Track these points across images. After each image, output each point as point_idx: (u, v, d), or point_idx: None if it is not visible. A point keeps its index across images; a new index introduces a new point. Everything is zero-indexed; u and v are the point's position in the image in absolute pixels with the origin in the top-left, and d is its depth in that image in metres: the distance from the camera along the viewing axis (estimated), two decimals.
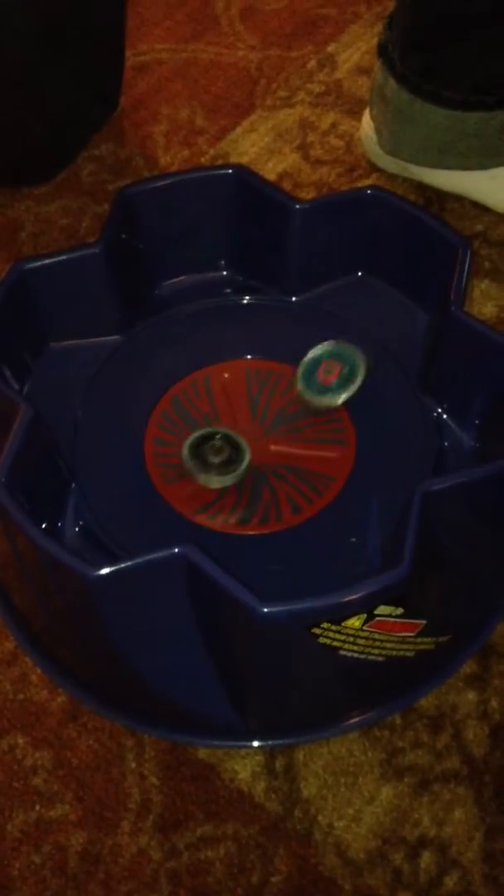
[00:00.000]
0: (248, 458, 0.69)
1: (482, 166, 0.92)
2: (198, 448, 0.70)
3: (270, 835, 0.63)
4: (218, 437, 0.70)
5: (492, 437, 0.72)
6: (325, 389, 0.72)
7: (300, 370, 0.73)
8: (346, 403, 0.74)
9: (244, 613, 0.56)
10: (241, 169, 0.79)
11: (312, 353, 0.73)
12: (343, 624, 0.57)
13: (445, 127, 0.89)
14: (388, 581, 0.57)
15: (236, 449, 0.70)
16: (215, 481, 0.69)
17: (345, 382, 0.72)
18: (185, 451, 0.69)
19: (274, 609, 0.56)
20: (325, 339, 0.74)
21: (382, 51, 0.91)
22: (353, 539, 0.68)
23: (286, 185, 0.96)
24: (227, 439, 0.70)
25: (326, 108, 1.04)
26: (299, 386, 0.72)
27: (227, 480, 0.69)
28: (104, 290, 0.77)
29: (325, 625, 0.57)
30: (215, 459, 0.69)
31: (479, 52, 0.84)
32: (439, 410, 0.75)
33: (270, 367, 0.77)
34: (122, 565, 0.58)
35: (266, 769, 0.65)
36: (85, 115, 0.99)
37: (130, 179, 0.96)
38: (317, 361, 0.72)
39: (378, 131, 0.94)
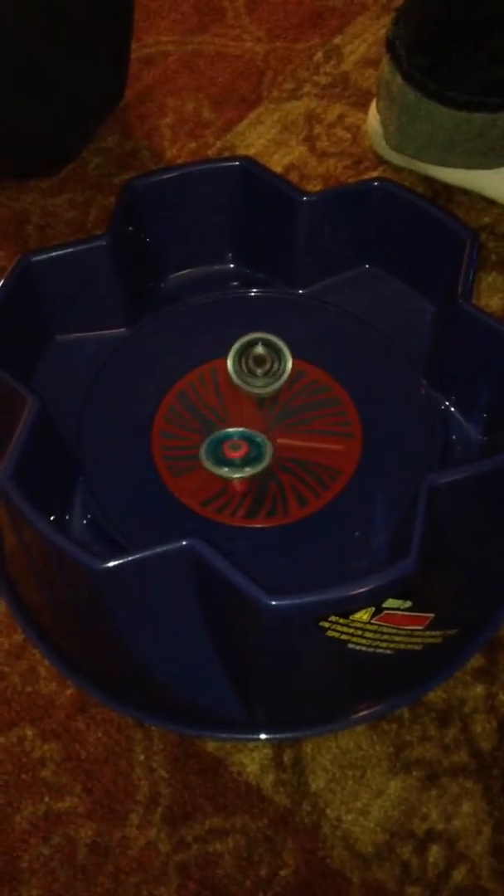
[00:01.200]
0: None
1: (486, 166, 0.91)
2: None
3: (279, 828, 0.63)
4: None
5: (499, 430, 0.72)
6: (227, 463, 0.69)
7: (208, 442, 0.71)
8: (351, 396, 0.74)
9: (252, 606, 0.56)
10: (247, 161, 0.79)
11: (223, 432, 0.71)
12: (351, 617, 0.57)
13: (450, 126, 0.88)
14: (395, 574, 0.57)
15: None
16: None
17: (249, 462, 0.69)
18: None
19: (282, 602, 0.56)
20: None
21: (390, 46, 0.90)
22: (360, 532, 0.68)
23: (293, 178, 0.95)
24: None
25: (333, 100, 1.04)
26: (202, 453, 0.70)
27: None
28: (110, 282, 0.77)
29: (333, 618, 0.57)
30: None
31: (484, 56, 0.84)
32: (446, 403, 0.74)
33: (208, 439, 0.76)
34: (130, 558, 0.58)
35: (274, 762, 0.65)
36: (91, 107, 0.99)
37: (137, 172, 0.95)
38: (223, 438, 0.71)
39: (384, 126, 0.94)
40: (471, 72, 0.85)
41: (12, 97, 0.89)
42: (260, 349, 0.71)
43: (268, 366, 0.72)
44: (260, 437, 0.70)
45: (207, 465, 0.68)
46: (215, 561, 0.57)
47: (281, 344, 0.72)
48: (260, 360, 0.71)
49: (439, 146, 0.91)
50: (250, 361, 0.72)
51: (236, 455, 0.69)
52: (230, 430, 0.71)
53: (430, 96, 0.87)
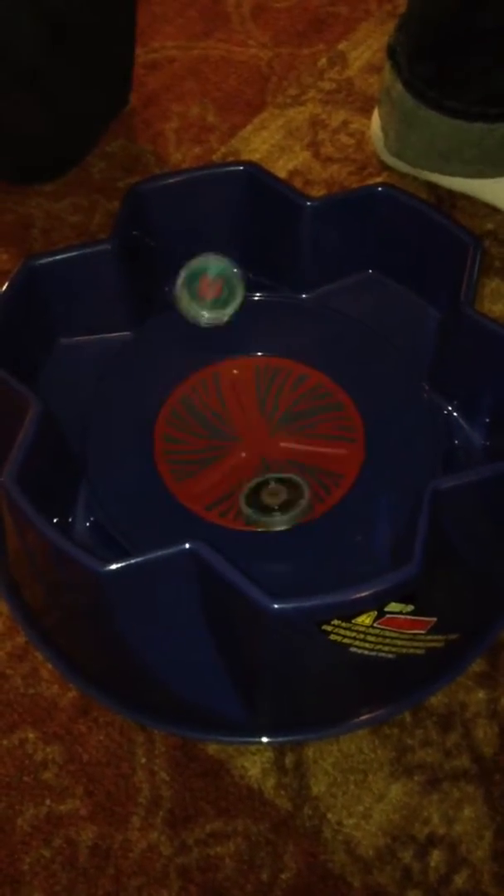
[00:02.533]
0: (307, 496, 0.67)
1: (484, 175, 0.92)
2: (255, 495, 0.68)
3: (280, 831, 0.63)
4: (272, 482, 0.68)
5: (502, 435, 0.72)
6: (199, 301, 0.70)
7: (182, 277, 0.71)
8: (354, 401, 0.74)
9: (254, 610, 0.56)
10: (252, 166, 0.79)
11: (202, 260, 0.71)
12: (353, 621, 0.57)
13: (448, 135, 0.89)
14: (398, 579, 0.57)
15: (295, 488, 0.68)
16: (279, 522, 0.67)
17: (219, 304, 0.70)
18: (243, 501, 0.68)
19: (284, 605, 0.56)
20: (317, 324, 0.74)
21: (391, 53, 0.91)
22: (363, 536, 0.68)
23: (297, 183, 0.96)
24: (282, 482, 0.68)
25: (337, 106, 1.04)
26: (179, 292, 0.70)
27: (291, 521, 0.67)
28: (115, 286, 0.77)
29: (335, 622, 0.57)
30: (272, 502, 0.67)
31: (484, 66, 0.84)
32: (449, 408, 0.75)
33: (280, 364, 0.77)
34: (132, 561, 0.58)
35: (276, 766, 0.65)
36: (96, 112, 0.99)
37: (141, 176, 0.96)
38: (198, 273, 0.70)
39: (385, 132, 0.95)
40: (470, 81, 0.86)
41: (18, 101, 0.89)
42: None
43: (283, 499, 0.68)
44: (234, 273, 0.69)
45: (181, 298, 0.69)
46: (218, 564, 0.57)
47: (298, 479, 0.68)
48: (274, 495, 0.68)
49: (437, 154, 0.91)
50: (264, 499, 0.68)
51: (211, 295, 0.68)
52: (210, 260, 0.70)
53: (429, 105, 0.88)
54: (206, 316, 0.69)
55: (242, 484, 0.68)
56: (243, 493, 0.68)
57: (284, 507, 0.67)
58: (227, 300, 0.70)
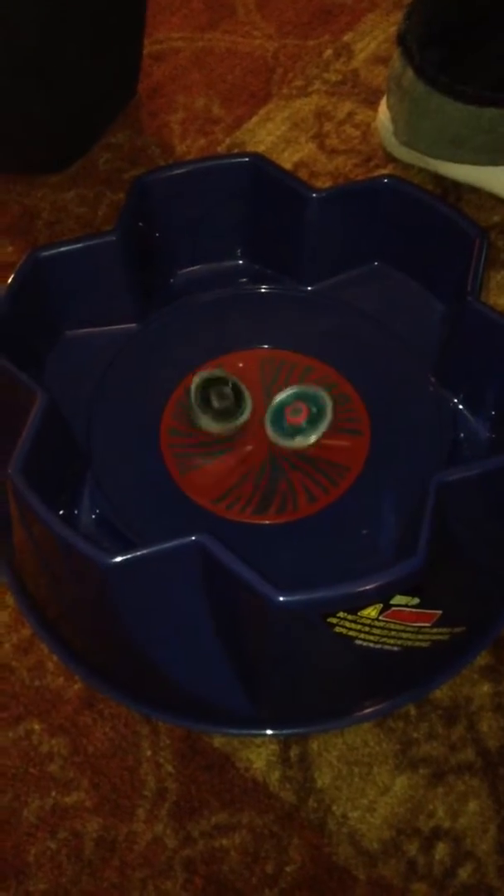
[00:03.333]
0: (248, 409, 0.70)
1: (495, 162, 0.91)
2: (204, 390, 0.70)
3: (285, 824, 0.63)
4: (228, 385, 0.70)
5: None
6: (296, 431, 0.71)
7: (268, 415, 0.72)
8: (360, 393, 0.74)
9: (260, 602, 0.56)
10: (257, 157, 0.79)
11: (278, 399, 0.72)
12: (359, 613, 0.57)
13: (460, 121, 0.88)
14: (403, 571, 0.57)
15: (240, 399, 0.70)
16: (213, 426, 0.70)
17: (314, 421, 0.71)
18: (193, 388, 0.70)
19: (290, 598, 0.56)
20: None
21: (401, 40, 0.90)
22: (369, 529, 0.68)
23: (302, 175, 0.95)
24: (236, 388, 0.70)
25: (343, 98, 1.04)
26: (269, 431, 0.71)
27: (225, 429, 0.69)
28: (120, 278, 0.77)
29: (341, 614, 0.57)
30: (218, 405, 0.69)
31: (496, 50, 0.84)
32: (454, 401, 0.74)
33: (285, 356, 0.77)
34: (138, 553, 0.58)
35: (280, 759, 0.65)
36: (101, 103, 0.99)
37: (146, 168, 0.96)
38: (283, 405, 0.71)
39: (394, 121, 0.94)
40: (482, 67, 0.85)
41: (23, 92, 0.89)
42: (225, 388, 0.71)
43: (228, 403, 0.70)
44: (312, 390, 0.70)
45: (274, 438, 0.70)
46: (224, 556, 0.57)
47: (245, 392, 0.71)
48: (222, 397, 0.70)
49: (448, 142, 0.90)
50: (213, 395, 0.70)
51: (299, 420, 0.69)
52: (284, 394, 0.71)
53: (441, 90, 0.87)
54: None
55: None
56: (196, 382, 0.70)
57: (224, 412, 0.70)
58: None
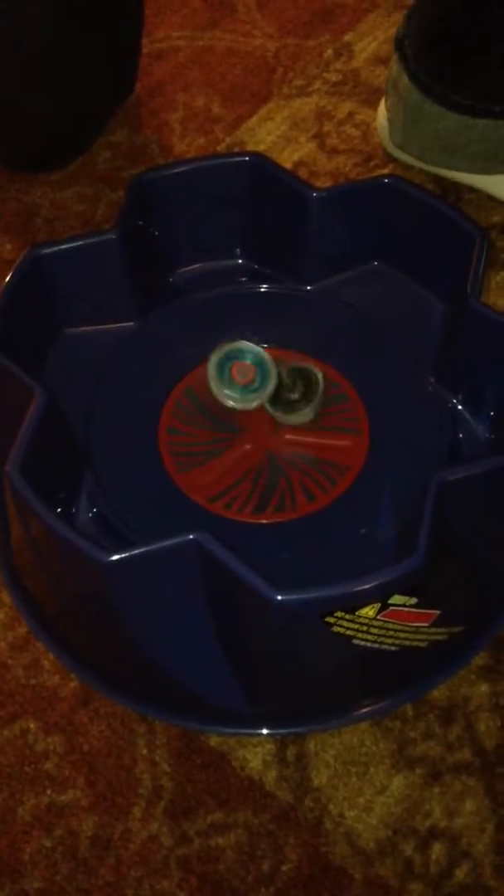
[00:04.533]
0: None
1: (488, 171, 0.91)
2: (224, 364, 0.68)
3: (281, 823, 0.63)
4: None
5: None
6: (230, 386, 0.69)
7: (216, 354, 0.69)
8: (359, 393, 0.74)
9: (258, 601, 0.56)
10: (257, 156, 0.79)
11: (235, 346, 0.70)
12: (357, 613, 0.57)
13: (453, 130, 0.88)
14: (402, 571, 0.57)
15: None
16: (237, 401, 0.68)
17: (249, 391, 0.69)
18: (213, 361, 0.68)
19: (288, 597, 0.56)
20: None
21: (399, 45, 0.90)
22: (367, 528, 0.68)
23: (302, 174, 0.95)
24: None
25: (343, 98, 1.04)
26: (209, 367, 0.69)
27: (249, 403, 0.68)
28: (119, 276, 0.77)
29: (339, 613, 0.57)
30: (241, 379, 0.68)
31: (491, 61, 0.84)
32: (454, 401, 0.74)
33: (284, 355, 0.76)
34: (136, 551, 0.58)
35: (277, 758, 0.65)
36: (101, 101, 0.99)
37: (146, 166, 0.95)
38: (234, 356, 0.69)
39: (391, 123, 0.94)
40: (477, 76, 0.85)
41: (23, 89, 0.89)
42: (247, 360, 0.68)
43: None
44: (266, 361, 0.68)
45: (211, 381, 0.68)
46: (222, 555, 0.57)
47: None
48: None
49: (441, 149, 0.91)
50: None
51: (243, 382, 0.68)
52: (243, 346, 0.68)
53: (435, 99, 0.87)
54: (234, 401, 0.69)
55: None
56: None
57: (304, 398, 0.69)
58: (259, 388, 0.70)
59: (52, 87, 0.90)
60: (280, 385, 0.69)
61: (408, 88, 0.89)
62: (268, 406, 0.69)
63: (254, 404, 0.69)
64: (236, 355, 0.68)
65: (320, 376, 0.70)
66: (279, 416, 0.70)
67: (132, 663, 0.65)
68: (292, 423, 0.70)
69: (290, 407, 0.70)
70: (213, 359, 0.68)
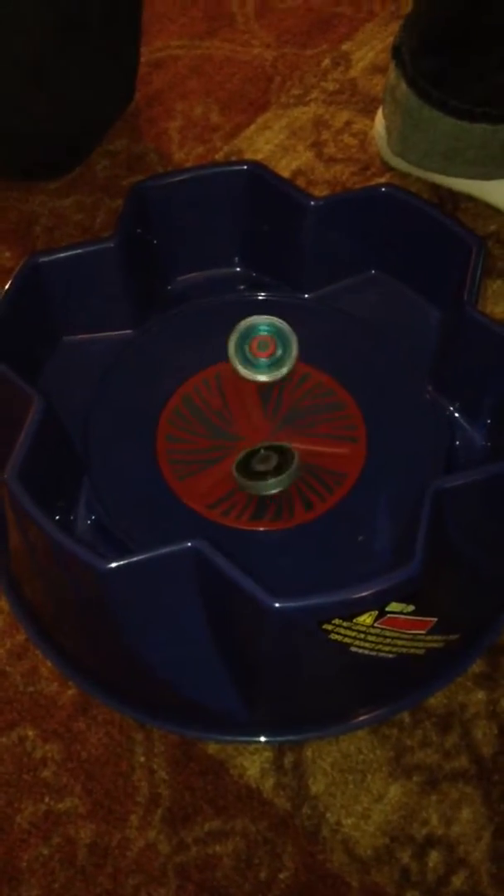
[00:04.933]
0: (296, 460, 0.69)
1: (487, 176, 0.92)
2: (247, 463, 0.70)
3: (278, 831, 0.63)
4: (262, 450, 0.70)
5: (503, 435, 0.72)
6: (253, 362, 0.72)
7: (235, 335, 0.72)
8: (356, 401, 0.74)
9: (256, 608, 0.56)
10: (255, 165, 0.79)
11: (251, 321, 0.73)
12: (354, 620, 0.57)
13: (452, 135, 0.89)
14: (399, 578, 0.57)
15: (284, 455, 0.70)
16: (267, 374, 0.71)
17: (275, 363, 0.72)
18: (235, 469, 0.69)
19: (286, 604, 0.56)
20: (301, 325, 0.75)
21: (396, 52, 0.91)
22: (364, 536, 0.68)
23: (300, 183, 0.96)
24: (273, 448, 0.70)
25: (340, 107, 1.04)
26: (230, 346, 0.72)
27: (281, 484, 0.69)
28: (118, 284, 0.77)
29: (336, 621, 0.57)
30: (262, 468, 0.69)
31: (489, 66, 0.85)
32: (451, 408, 0.75)
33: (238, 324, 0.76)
34: (134, 559, 0.58)
35: (275, 766, 0.65)
36: (100, 110, 0.99)
37: (145, 175, 0.96)
38: (252, 331, 0.72)
39: (388, 131, 0.95)
40: (474, 81, 0.86)
41: (23, 98, 0.89)
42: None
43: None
44: (284, 330, 0.71)
45: (234, 361, 0.70)
46: (220, 562, 0.57)
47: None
48: (264, 346, 0.70)
49: (440, 155, 0.91)
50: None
51: (264, 355, 0.70)
52: (259, 319, 0.71)
53: (433, 104, 0.88)
54: (264, 374, 0.72)
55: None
56: (234, 463, 0.69)
57: (276, 471, 0.69)
58: (282, 357, 0.72)
59: (51, 97, 0.90)
60: (253, 456, 0.70)
61: (406, 95, 0.89)
62: (237, 476, 0.69)
63: (284, 370, 0.72)
64: (251, 331, 0.69)
65: (295, 455, 0.69)
66: (248, 485, 0.69)
67: (130, 671, 0.65)
68: (260, 492, 0.70)
69: (260, 478, 0.69)
70: (231, 344, 0.71)
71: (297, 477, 0.68)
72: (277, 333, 0.71)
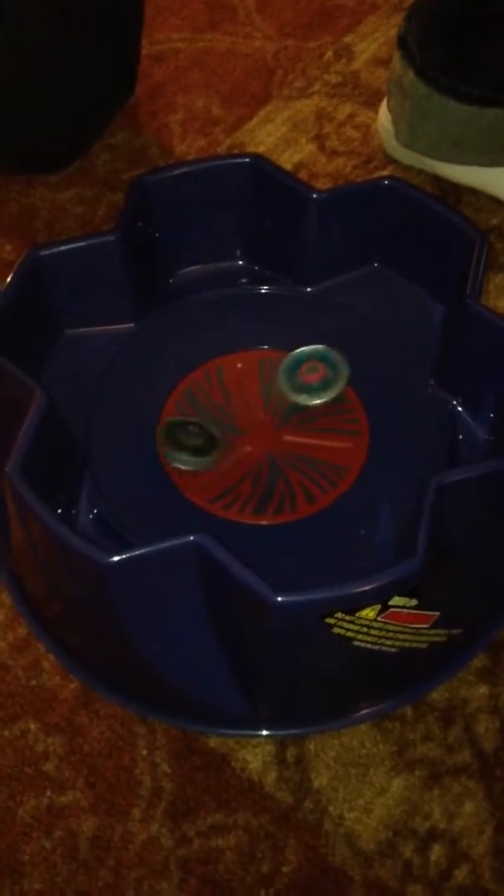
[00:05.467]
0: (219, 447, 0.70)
1: (497, 163, 0.91)
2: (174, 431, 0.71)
3: (281, 825, 0.63)
4: (191, 426, 0.71)
5: None
6: (305, 388, 0.72)
7: (283, 364, 0.73)
8: (358, 395, 0.74)
9: (258, 602, 0.56)
10: (258, 158, 0.79)
11: (298, 351, 0.73)
12: (357, 614, 0.57)
13: (462, 122, 0.88)
14: (402, 572, 0.57)
15: (211, 438, 0.71)
16: (190, 463, 0.70)
17: (325, 386, 0.72)
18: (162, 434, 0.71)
19: (288, 598, 0.56)
20: (326, 334, 0.75)
21: (402, 43, 0.90)
22: (367, 530, 0.68)
23: (302, 176, 0.95)
24: (202, 428, 0.71)
25: (343, 99, 1.04)
26: (280, 378, 0.73)
27: (201, 464, 0.70)
28: (119, 277, 0.77)
29: (339, 615, 0.57)
30: (190, 442, 0.70)
31: (498, 51, 0.84)
32: (453, 403, 0.74)
33: (284, 357, 0.77)
34: (136, 553, 0.58)
35: (277, 759, 0.65)
36: (101, 103, 0.99)
37: (146, 168, 0.95)
38: (301, 359, 0.72)
39: (395, 122, 0.94)
40: (484, 67, 0.85)
41: (23, 91, 0.89)
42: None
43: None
44: (332, 353, 0.71)
45: (286, 391, 0.71)
46: (222, 556, 0.57)
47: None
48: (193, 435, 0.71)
49: (450, 143, 0.91)
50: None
51: (314, 379, 0.70)
52: (304, 350, 0.72)
53: (443, 91, 0.87)
54: (312, 402, 0.73)
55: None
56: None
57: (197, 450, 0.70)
58: (332, 381, 0.73)
59: (51, 89, 0.90)
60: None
61: (414, 84, 0.89)
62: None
63: (331, 398, 0.73)
64: (301, 359, 0.72)
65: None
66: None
67: (132, 664, 0.65)
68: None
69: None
70: (281, 371, 0.73)
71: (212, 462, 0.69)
72: (324, 359, 0.73)
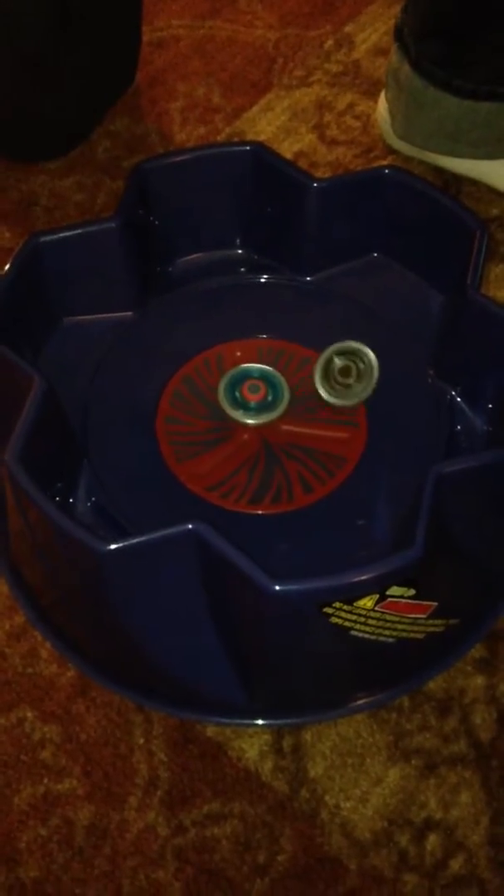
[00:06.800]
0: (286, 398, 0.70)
1: (492, 156, 0.91)
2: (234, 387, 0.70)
3: (277, 814, 0.63)
4: (256, 374, 0.70)
5: None
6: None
7: (318, 367, 0.72)
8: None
9: (255, 591, 0.56)
10: (258, 146, 0.78)
11: (334, 346, 0.72)
12: (355, 604, 0.57)
13: (457, 115, 0.88)
14: (400, 562, 0.57)
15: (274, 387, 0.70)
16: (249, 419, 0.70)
17: (356, 384, 0.72)
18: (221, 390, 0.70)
19: (286, 587, 0.56)
20: (341, 326, 0.74)
21: (398, 35, 0.90)
22: (364, 520, 0.68)
23: (302, 165, 0.95)
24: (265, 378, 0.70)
25: (343, 89, 1.03)
26: (317, 380, 0.72)
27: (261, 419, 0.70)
28: (118, 265, 0.76)
29: (337, 604, 0.57)
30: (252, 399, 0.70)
31: (493, 45, 0.84)
32: (452, 393, 0.74)
33: (283, 346, 0.76)
34: (133, 541, 0.58)
35: (273, 749, 0.65)
36: (101, 90, 0.98)
37: (146, 156, 0.95)
38: (336, 354, 0.72)
39: (391, 114, 0.94)
40: (479, 61, 0.85)
41: (23, 78, 0.88)
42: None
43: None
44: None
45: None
46: (219, 545, 0.57)
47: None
48: (345, 372, 0.70)
49: (446, 135, 0.90)
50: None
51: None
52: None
53: (438, 84, 0.87)
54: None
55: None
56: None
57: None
58: (365, 386, 0.72)
59: (51, 77, 0.90)
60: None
61: (409, 76, 0.89)
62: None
63: (354, 402, 0.72)
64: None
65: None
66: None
67: (129, 653, 0.65)
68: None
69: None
70: (318, 365, 0.71)
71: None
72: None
